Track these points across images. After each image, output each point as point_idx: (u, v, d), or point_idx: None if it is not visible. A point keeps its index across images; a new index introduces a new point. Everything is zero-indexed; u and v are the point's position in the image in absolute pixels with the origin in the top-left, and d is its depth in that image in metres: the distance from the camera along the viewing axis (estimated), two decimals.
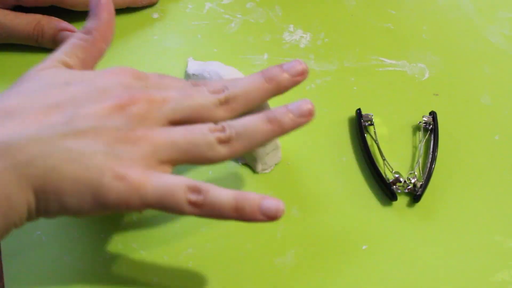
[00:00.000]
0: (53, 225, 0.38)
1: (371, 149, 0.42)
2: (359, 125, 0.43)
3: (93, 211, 0.29)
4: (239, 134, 0.31)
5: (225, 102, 0.32)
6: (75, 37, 0.34)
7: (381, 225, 0.39)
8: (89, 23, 0.34)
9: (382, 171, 0.41)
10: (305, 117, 0.33)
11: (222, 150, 0.30)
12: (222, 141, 0.30)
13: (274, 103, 0.36)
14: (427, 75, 0.48)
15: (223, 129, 0.31)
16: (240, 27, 0.49)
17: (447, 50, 0.50)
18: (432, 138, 0.43)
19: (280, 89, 0.34)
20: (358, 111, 0.43)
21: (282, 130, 0.33)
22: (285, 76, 0.34)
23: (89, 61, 0.33)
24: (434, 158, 0.41)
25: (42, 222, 0.37)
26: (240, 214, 0.30)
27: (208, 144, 0.30)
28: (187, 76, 0.44)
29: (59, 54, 0.33)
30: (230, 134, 0.31)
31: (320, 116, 0.44)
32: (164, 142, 0.30)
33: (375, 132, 0.43)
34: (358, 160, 0.42)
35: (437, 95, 0.46)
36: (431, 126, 0.43)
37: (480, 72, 0.48)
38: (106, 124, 0.29)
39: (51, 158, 0.27)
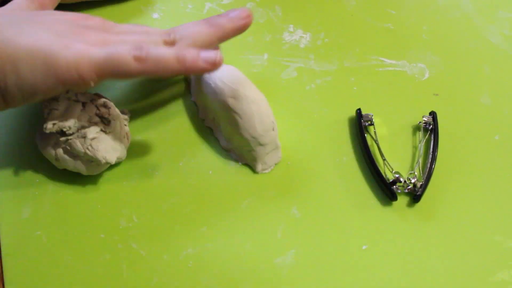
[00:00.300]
0: (53, 225, 0.38)
1: (371, 149, 0.42)
2: (359, 125, 0.43)
3: (49, 84, 0.32)
4: (183, 36, 0.35)
5: (171, 43, 0.35)
6: None
7: (381, 225, 0.39)
8: None
9: (382, 171, 0.41)
10: (244, 19, 0.37)
11: (170, 50, 0.33)
12: (168, 43, 0.35)
13: None
14: (427, 75, 0.48)
15: (168, 34, 0.35)
16: None
17: (447, 50, 0.50)
18: (432, 138, 0.43)
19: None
20: (358, 111, 0.43)
21: (224, 31, 0.36)
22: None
23: (48, 4, 0.37)
24: (434, 158, 0.41)
25: (42, 222, 0.38)
26: (182, 64, 0.33)
27: (155, 43, 0.34)
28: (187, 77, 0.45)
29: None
30: (175, 37, 0.35)
31: (320, 116, 0.44)
32: (114, 39, 0.34)
33: (375, 132, 0.43)
34: (358, 160, 0.42)
35: (437, 95, 0.46)
36: (431, 126, 0.43)
37: (480, 72, 0.48)
38: (61, 19, 0.34)
39: (8, 31, 0.32)
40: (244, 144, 0.39)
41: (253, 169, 0.41)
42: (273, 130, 0.40)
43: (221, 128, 0.41)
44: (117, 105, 0.40)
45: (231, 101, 0.39)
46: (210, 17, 0.37)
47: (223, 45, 0.48)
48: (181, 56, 0.33)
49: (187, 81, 0.45)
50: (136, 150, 0.41)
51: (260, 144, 0.39)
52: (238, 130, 0.39)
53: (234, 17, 0.37)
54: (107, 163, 0.38)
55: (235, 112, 0.39)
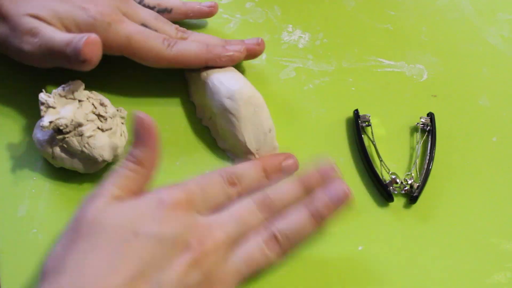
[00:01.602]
0: (49, 223, 0.38)
1: (368, 149, 0.42)
2: (357, 126, 0.43)
3: None
4: (288, 238, 0.33)
5: (268, 215, 0.34)
6: (125, 167, 0.33)
7: (377, 226, 0.39)
8: (137, 151, 0.33)
9: (379, 172, 0.41)
10: (342, 203, 0.34)
11: (275, 255, 0.33)
12: (276, 251, 0.33)
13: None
14: (425, 76, 0.48)
15: (275, 239, 0.33)
16: (239, 27, 0.49)
17: (446, 52, 0.50)
18: (429, 139, 0.43)
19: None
20: (356, 112, 0.43)
21: (323, 223, 0.34)
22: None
23: (139, 190, 0.34)
24: (431, 160, 0.41)
25: (38, 220, 0.38)
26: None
27: (265, 256, 0.33)
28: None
29: (111, 187, 0.32)
30: (282, 241, 0.33)
31: (318, 116, 0.44)
32: (231, 279, 0.32)
33: (372, 133, 0.43)
34: (355, 160, 0.42)
35: (435, 96, 0.46)
36: (428, 127, 0.43)
37: (479, 74, 0.48)
38: (188, 283, 0.30)
39: None
40: (241, 145, 0.39)
41: None
42: (269, 132, 0.40)
43: (218, 128, 0.41)
44: (114, 104, 0.40)
45: (227, 102, 0.39)
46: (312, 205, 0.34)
47: None
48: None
49: (185, 80, 0.45)
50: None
51: (256, 147, 0.39)
52: (234, 131, 0.39)
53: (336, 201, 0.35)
54: (104, 161, 0.38)
55: (231, 113, 0.39)
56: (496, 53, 0.50)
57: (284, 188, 0.35)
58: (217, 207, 0.33)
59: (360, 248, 0.38)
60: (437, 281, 0.37)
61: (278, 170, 0.37)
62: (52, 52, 0.37)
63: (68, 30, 0.39)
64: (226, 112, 0.39)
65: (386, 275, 0.37)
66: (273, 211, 0.34)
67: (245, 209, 0.33)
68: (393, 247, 0.38)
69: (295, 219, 0.34)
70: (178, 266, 0.30)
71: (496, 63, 0.49)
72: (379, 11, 0.52)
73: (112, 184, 0.32)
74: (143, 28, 0.41)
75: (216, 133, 0.41)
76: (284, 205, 0.34)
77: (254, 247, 0.33)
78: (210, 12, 0.47)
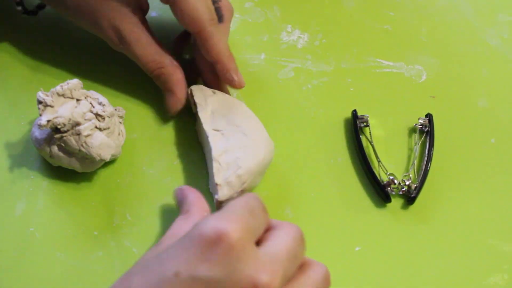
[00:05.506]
0: (46, 222, 0.38)
1: (366, 150, 0.42)
2: (355, 126, 0.43)
3: None
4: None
5: None
6: (178, 219, 0.32)
7: (375, 226, 0.39)
8: (182, 206, 0.34)
9: (376, 173, 0.41)
10: None
11: None
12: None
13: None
14: (424, 77, 0.47)
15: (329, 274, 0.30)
16: (238, 27, 0.49)
17: (445, 53, 0.49)
18: (427, 140, 0.43)
19: None
20: (354, 112, 0.43)
21: None
22: None
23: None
24: (429, 161, 0.41)
25: (35, 218, 0.38)
26: None
27: None
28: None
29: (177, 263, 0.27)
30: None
31: (316, 116, 0.44)
32: None
33: (370, 134, 0.43)
34: (353, 161, 0.42)
35: (433, 97, 0.46)
36: (427, 128, 0.43)
37: (478, 75, 0.48)
38: None
39: None
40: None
41: None
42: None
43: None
44: (112, 103, 0.40)
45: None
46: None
47: None
48: None
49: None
50: (131, 148, 0.41)
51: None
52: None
53: None
54: (101, 160, 0.38)
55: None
56: (496, 54, 0.50)
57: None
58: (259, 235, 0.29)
59: (357, 248, 0.38)
60: (434, 282, 0.37)
61: None
62: None
63: None
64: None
65: (383, 275, 0.37)
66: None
67: (291, 234, 0.29)
68: (391, 248, 0.38)
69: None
70: None
71: (495, 64, 0.49)
72: (378, 11, 0.52)
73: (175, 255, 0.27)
74: None
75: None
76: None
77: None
78: (230, 82, 0.41)
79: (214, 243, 0.25)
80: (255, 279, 0.25)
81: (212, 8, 0.40)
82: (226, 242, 0.25)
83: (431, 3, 0.53)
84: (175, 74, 0.41)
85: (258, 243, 0.28)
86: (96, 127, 0.37)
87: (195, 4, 0.39)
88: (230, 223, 0.26)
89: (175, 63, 0.42)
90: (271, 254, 0.27)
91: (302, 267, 0.29)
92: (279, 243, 0.28)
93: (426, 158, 0.41)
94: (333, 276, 0.37)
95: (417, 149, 0.42)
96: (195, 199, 0.34)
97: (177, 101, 0.41)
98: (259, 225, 0.28)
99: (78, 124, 0.37)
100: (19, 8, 0.44)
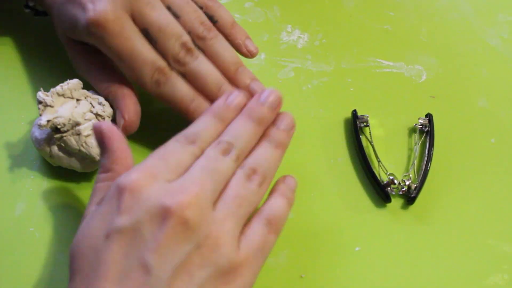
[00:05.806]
0: (46, 222, 0.38)
1: (366, 150, 0.42)
2: (355, 126, 0.43)
3: None
4: (265, 170, 0.33)
5: (236, 159, 0.33)
6: (99, 180, 0.33)
7: (375, 227, 0.39)
8: (104, 160, 0.33)
9: (376, 173, 0.41)
10: (293, 129, 0.36)
11: (257, 186, 0.33)
12: (258, 181, 0.33)
13: None
14: (424, 77, 0.48)
15: (253, 172, 0.33)
16: None
17: (445, 53, 0.49)
18: (427, 140, 0.43)
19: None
20: (354, 112, 0.43)
21: (286, 148, 0.35)
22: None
23: None
24: (429, 161, 0.41)
25: (35, 218, 0.38)
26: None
27: (249, 189, 0.32)
28: None
29: (94, 206, 0.32)
30: (260, 171, 0.33)
31: (316, 116, 0.44)
32: (228, 222, 0.30)
33: (370, 134, 0.43)
34: (353, 161, 0.42)
35: (433, 97, 0.46)
36: (427, 128, 0.43)
37: (478, 75, 0.48)
38: (180, 246, 0.28)
39: None
40: None
41: None
42: None
43: None
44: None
45: None
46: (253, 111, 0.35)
47: None
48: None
49: None
50: (130, 148, 0.41)
51: None
52: None
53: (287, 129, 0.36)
54: None
55: None
56: (496, 54, 0.50)
57: (241, 130, 0.34)
58: (187, 170, 0.32)
59: (357, 249, 0.38)
60: (434, 282, 0.37)
61: (227, 110, 0.35)
62: None
63: None
64: None
65: (383, 276, 0.37)
66: (239, 153, 0.33)
67: (211, 159, 0.32)
68: (391, 248, 0.38)
69: (262, 152, 0.34)
70: (163, 235, 0.28)
71: (495, 64, 0.49)
72: (378, 11, 0.52)
73: (93, 202, 0.32)
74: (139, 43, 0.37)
75: None
76: (247, 145, 0.34)
77: (237, 186, 0.32)
78: (246, 54, 0.43)
79: (120, 194, 0.29)
80: (163, 209, 0.28)
81: (186, 13, 0.39)
82: (128, 189, 0.29)
83: (431, 3, 0.53)
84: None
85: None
86: None
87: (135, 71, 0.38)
88: (131, 174, 0.30)
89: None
90: (185, 180, 0.30)
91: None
92: (197, 168, 0.31)
93: (426, 158, 0.41)
94: (333, 276, 0.37)
95: (417, 149, 0.42)
96: (120, 151, 0.33)
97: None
98: (175, 163, 0.31)
99: (78, 124, 0.37)
100: (28, 10, 0.44)
